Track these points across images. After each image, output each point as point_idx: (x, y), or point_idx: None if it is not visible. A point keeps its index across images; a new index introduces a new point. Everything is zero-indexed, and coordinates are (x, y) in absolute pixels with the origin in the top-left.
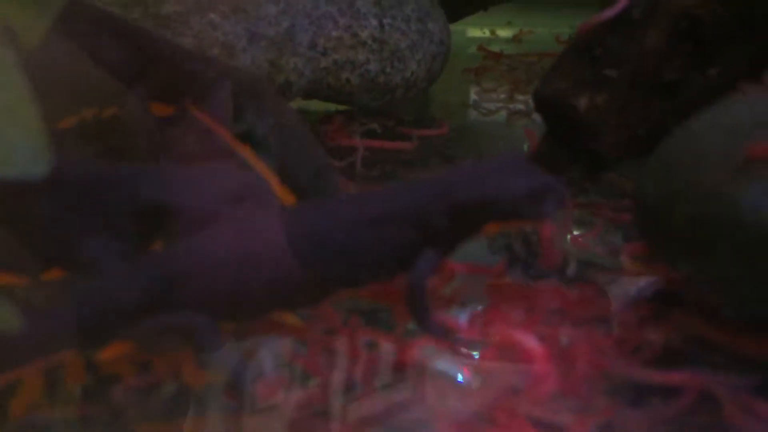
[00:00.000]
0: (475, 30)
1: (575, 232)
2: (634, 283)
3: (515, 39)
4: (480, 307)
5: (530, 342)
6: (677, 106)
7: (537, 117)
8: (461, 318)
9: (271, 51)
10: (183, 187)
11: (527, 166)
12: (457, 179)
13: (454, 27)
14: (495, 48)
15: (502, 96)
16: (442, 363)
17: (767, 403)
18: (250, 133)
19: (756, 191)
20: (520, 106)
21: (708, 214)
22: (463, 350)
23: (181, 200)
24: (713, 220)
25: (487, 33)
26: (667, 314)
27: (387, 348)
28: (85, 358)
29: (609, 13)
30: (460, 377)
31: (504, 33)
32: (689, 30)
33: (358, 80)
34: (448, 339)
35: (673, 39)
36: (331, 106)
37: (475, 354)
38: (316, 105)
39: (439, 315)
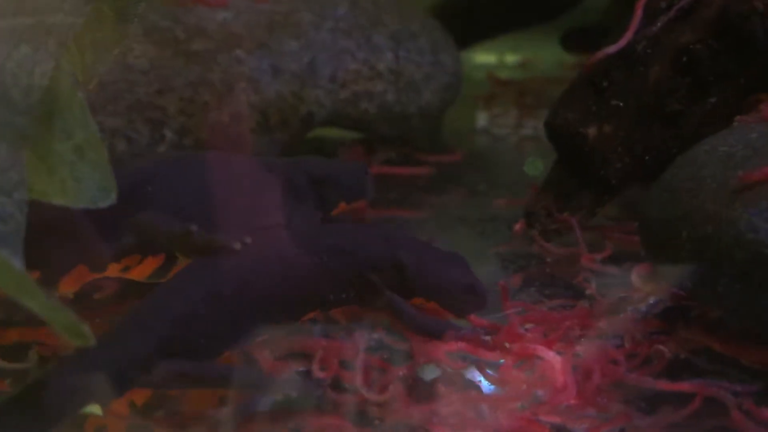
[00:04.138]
0: (481, 56)
1: (588, 254)
2: (643, 301)
3: (522, 65)
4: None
5: (550, 355)
6: (679, 134)
7: (548, 142)
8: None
9: (294, 84)
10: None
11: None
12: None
13: (462, 54)
14: (503, 73)
15: (512, 122)
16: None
17: None
18: None
19: (752, 214)
20: (530, 132)
21: (709, 236)
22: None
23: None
24: (714, 242)
25: (493, 59)
26: (675, 329)
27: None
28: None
29: (613, 48)
30: (482, 380)
31: (511, 58)
32: (689, 64)
33: (376, 110)
34: (449, 330)
35: (675, 72)
36: (347, 134)
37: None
38: (331, 132)
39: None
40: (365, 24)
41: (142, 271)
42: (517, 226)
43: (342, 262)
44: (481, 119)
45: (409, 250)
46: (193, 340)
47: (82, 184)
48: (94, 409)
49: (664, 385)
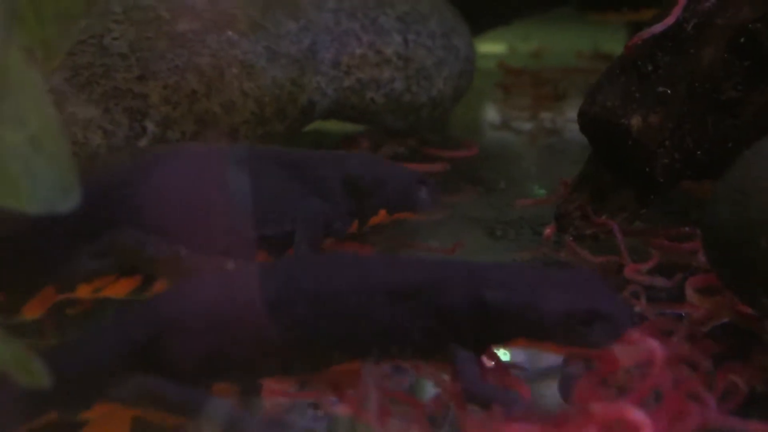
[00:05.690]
0: (488, 45)
1: (633, 263)
2: (704, 321)
3: (535, 54)
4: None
5: (634, 413)
6: (737, 125)
7: (567, 134)
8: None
9: (292, 70)
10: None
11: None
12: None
13: None
14: (514, 64)
15: (526, 114)
16: None
17: None
18: None
19: None
20: (547, 124)
21: None
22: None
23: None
24: None
25: (502, 49)
26: (745, 355)
27: None
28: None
29: (659, 27)
30: None
31: (522, 48)
32: (747, 45)
33: (383, 99)
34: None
35: (731, 54)
36: (349, 127)
37: None
38: (333, 126)
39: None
40: (371, 3)
41: (117, 291)
42: (548, 230)
43: (402, 308)
44: (493, 111)
45: (499, 284)
46: (175, 359)
47: (38, 182)
48: None
49: (757, 427)
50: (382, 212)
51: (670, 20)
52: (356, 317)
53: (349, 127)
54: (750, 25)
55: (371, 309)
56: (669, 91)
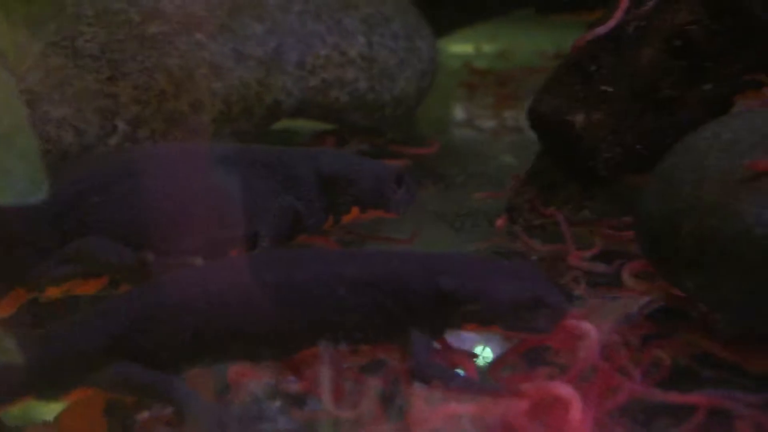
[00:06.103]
0: (457, 45)
1: (576, 251)
2: (635, 302)
3: (500, 55)
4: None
5: (563, 390)
6: (674, 122)
7: (528, 132)
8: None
9: (258, 71)
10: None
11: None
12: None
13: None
14: (480, 64)
15: (489, 112)
16: None
17: None
18: None
19: (761, 206)
20: (509, 122)
21: (712, 230)
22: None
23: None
24: (718, 236)
25: (470, 49)
26: (672, 332)
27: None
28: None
29: (602, 29)
30: None
31: (489, 48)
32: (683, 46)
33: (347, 98)
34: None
35: (668, 55)
36: (318, 125)
37: None
38: (301, 124)
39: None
40: (335, 6)
41: (85, 289)
42: (499, 222)
43: (364, 297)
44: (458, 110)
45: (453, 274)
46: (152, 348)
47: (11, 177)
48: (44, 412)
49: (675, 397)
50: (355, 209)
51: (611, 23)
52: (322, 306)
53: (317, 125)
54: (686, 28)
55: (336, 299)
56: (611, 90)
